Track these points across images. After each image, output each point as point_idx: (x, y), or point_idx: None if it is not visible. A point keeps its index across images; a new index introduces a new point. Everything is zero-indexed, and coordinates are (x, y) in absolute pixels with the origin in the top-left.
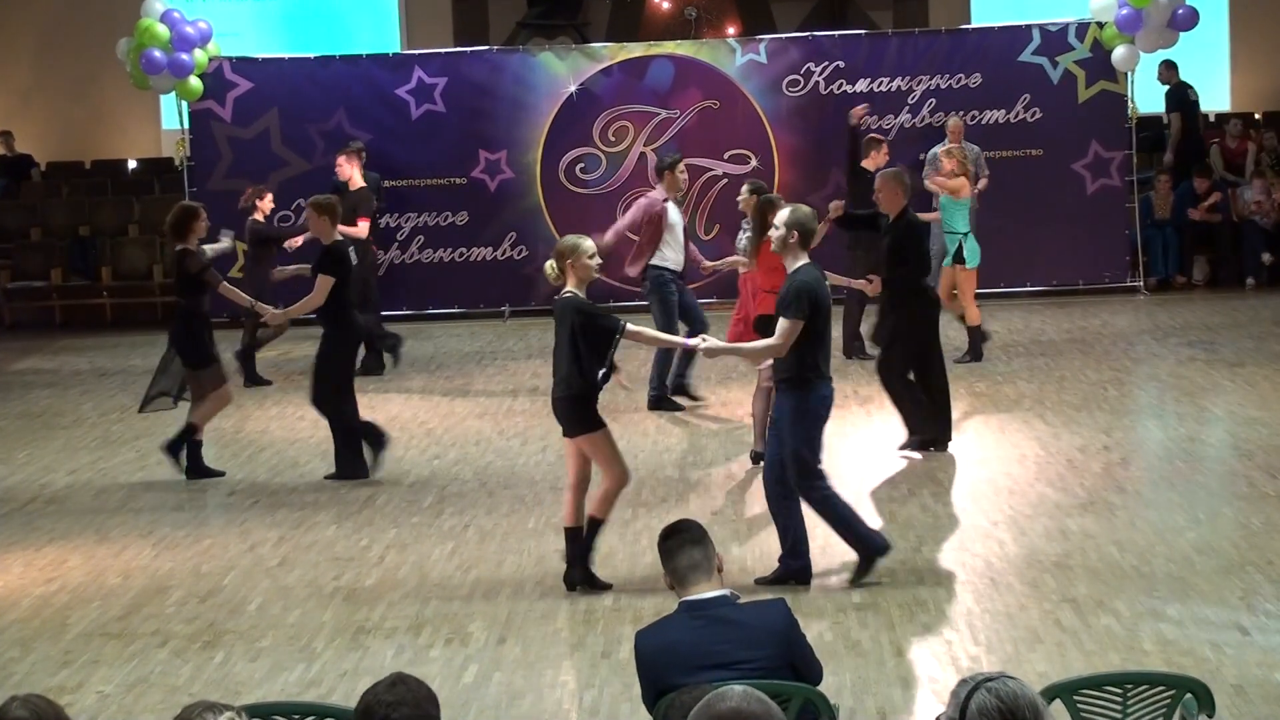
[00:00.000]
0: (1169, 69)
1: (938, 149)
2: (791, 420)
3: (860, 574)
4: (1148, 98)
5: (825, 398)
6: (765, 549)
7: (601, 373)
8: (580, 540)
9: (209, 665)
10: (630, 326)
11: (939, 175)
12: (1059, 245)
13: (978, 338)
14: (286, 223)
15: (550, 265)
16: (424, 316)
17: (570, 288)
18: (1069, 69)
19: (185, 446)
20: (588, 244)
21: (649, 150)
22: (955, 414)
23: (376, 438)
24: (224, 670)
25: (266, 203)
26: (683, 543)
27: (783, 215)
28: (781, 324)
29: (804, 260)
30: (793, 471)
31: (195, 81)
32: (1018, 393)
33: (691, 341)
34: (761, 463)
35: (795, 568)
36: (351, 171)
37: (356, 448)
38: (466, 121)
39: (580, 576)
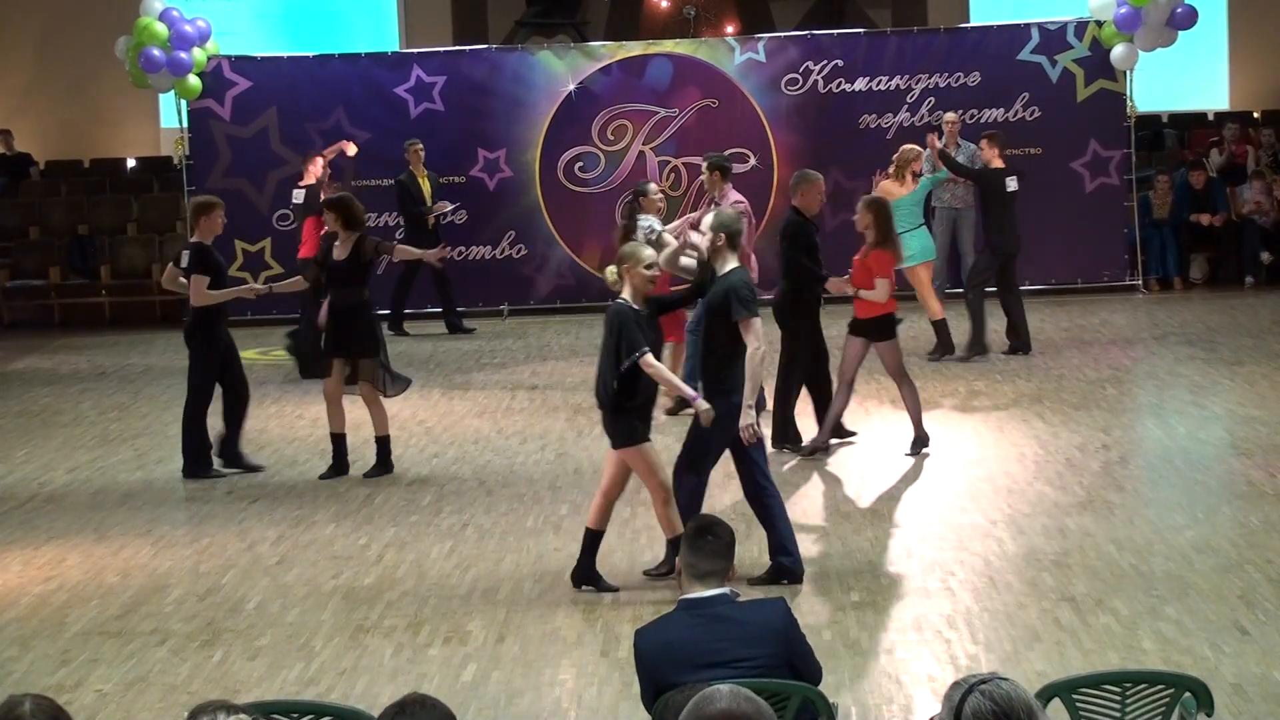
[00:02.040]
0: None
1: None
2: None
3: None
4: (1147, 96)
5: (735, 405)
6: (764, 548)
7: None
8: (596, 544)
9: (208, 664)
10: (649, 358)
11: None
12: (1058, 244)
13: (944, 332)
14: (285, 221)
15: (611, 270)
16: (423, 315)
17: (624, 295)
18: (1068, 67)
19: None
20: (648, 254)
21: (648, 149)
22: (954, 410)
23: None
24: (223, 669)
25: (316, 166)
26: (716, 550)
27: (708, 220)
28: (748, 324)
29: (734, 263)
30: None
31: (194, 80)
32: (1016, 391)
33: (699, 403)
34: (923, 449)
35: (786, 565)
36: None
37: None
38: (465, 120)
39: (587, 576)
